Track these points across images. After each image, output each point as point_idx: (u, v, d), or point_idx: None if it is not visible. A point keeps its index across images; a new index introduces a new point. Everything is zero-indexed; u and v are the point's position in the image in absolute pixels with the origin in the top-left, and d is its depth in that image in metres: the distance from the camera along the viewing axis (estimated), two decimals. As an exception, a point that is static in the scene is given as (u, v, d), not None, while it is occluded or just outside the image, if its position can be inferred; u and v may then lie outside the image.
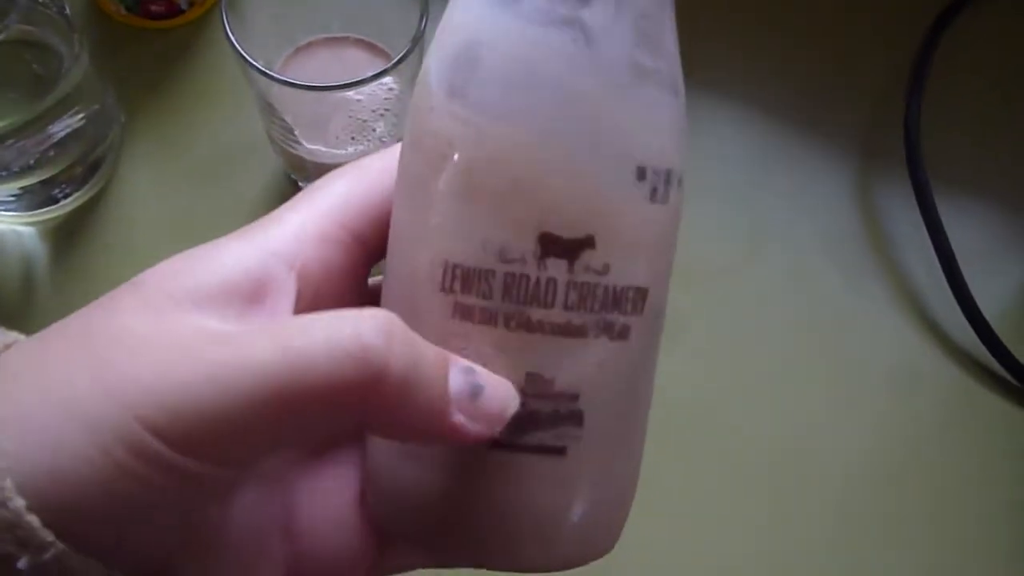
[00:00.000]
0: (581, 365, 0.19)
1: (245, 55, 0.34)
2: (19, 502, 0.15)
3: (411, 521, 0.21)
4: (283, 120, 0.38)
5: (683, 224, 0.47)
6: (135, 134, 0.46)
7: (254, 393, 0.16)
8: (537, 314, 0.19)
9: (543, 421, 0.19)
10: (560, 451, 0.20)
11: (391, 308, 0.20)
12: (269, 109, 0.38)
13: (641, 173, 0.19)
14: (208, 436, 0.16)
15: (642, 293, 0.20)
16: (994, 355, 0.43)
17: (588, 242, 0.19)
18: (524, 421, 0.19)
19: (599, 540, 0.22)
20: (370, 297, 0.22)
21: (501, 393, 0.19)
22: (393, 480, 0.21)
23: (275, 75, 0.35)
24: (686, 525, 0.40)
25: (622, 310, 0.19)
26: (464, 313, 0.19)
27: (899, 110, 0.47)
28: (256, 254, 0.19)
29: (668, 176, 0.20)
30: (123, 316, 0.18)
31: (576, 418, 0.20)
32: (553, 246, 0.19)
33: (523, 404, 0.19)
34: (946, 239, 0.44)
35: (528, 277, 0.19)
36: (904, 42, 0.49)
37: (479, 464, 0.20)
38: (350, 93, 0.35)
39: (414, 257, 0.19)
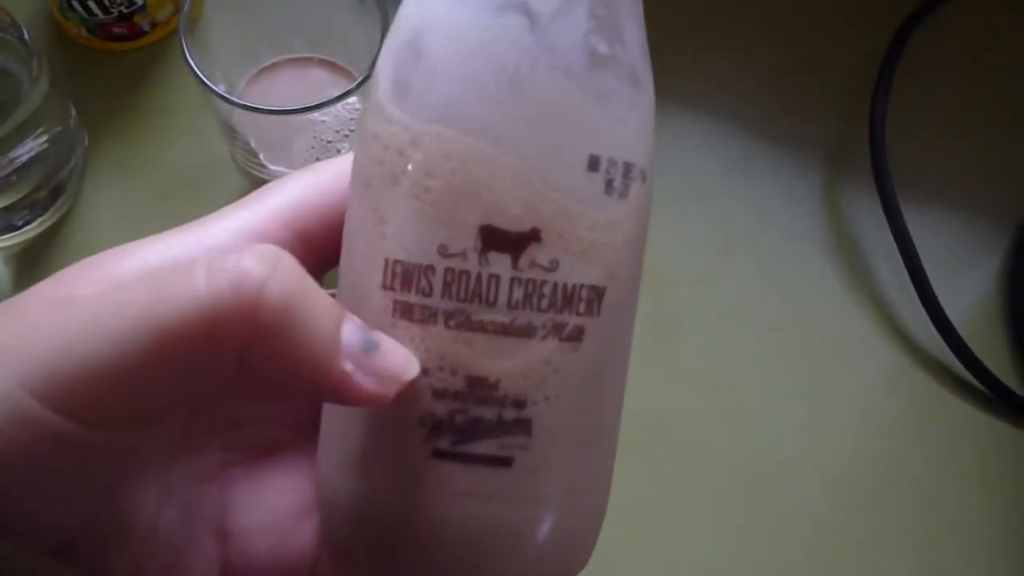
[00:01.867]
0: (527, 368, 0.18)
1: (205, 80, 0.34)
2: None
3: (359, 537, 0.20)
4: (246, 143, 0.38)
5: (653, 233, 0.47)
6: (99, 157, 0.45)
7: (128, 335, 0.15)
8: (479, 312, 0.18)
9: (487, 428, 0.18)
10: (505, 462, 0.18)
11: (345, 299, 0.19)
12: (231, 132, 0.37)
13: (593, 163, 0.18)
14: (90, 392, 0.15)
15: (598, 292, 0.18)
16: (963, 362, 0.43)
17: (533, 235, 0.18)
18: (467, 428, 0.18)
19: (562, 559, 0.20)
20: None
21: (399, 353, 0.17)
22: (339, 494, 0.20)
23: (236, 100, 0.34)
24: (660, 537, 0.40)
25: (574, 310, 0.18)
26: (404, 311, 0.18)
27: (864, 119, 0.47)
28: (188, 247, 0.19)
29: (627, 169, 0.19)
30: (27, 300, 0.17)
31: (523, 426, 0.18)
32: (495, 239, 0.18)
33: (465, 410, 0.18)
34: (912, 246, 0.44)
35: (469, 273, 0.18)
36: (869, 49, 0.50)
37: (422, 475, 0.18)
38: (314, 115, 0.35)
39: (359, 254, 0.19)
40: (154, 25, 0.47)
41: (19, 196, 0.41)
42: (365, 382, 0.17)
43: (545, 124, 0.18)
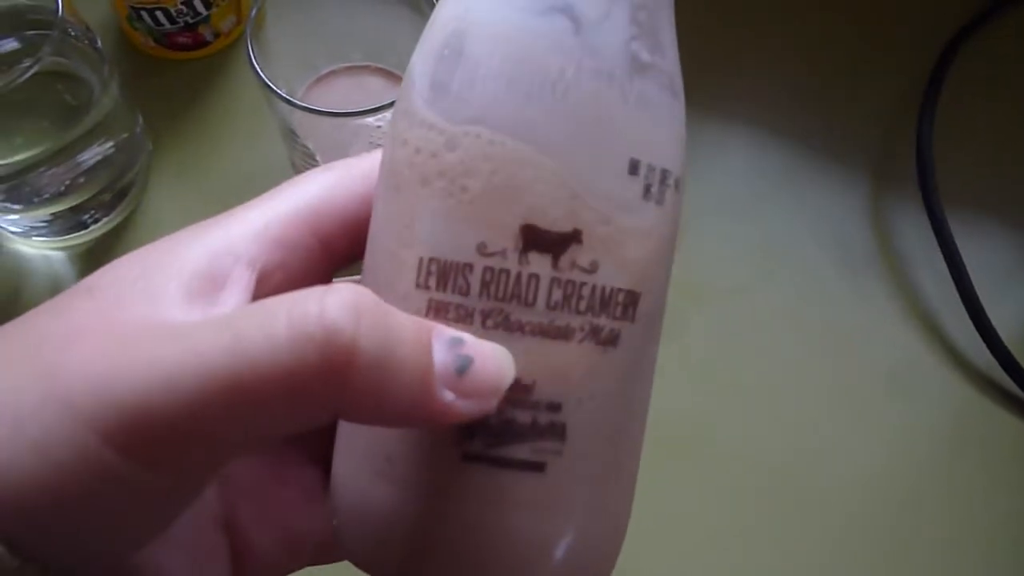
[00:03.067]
0: (564, 371, 0.18)
1: (269, 82, 0.36)
2: None
3: (382, 546, 0.19)
4: (305, 146, 0.39)
5: (694, 244, 0.48)
6: (162, 161, 0.47)
7: (204, 394, 0.15)
8: (517, 312, 0.17)
9: (520, 432, 0.18)
10: (538, 467, 0.18)
11: None
12: (291, 135, 0.39)
13: (633, 167, 0.18)
14: (161, 442, 0.15)
15: (633, 297, 0.18)
16: (1010, 376, 0.43)
17: (575, 236, 0.17)
18: (500, 431, 0.18)
19: (588, 572, 0.20)
20: None
21: (493, 363, 0.17)
22: (361, 500, 0.19)
23: (297, 102, 0.36)
24: (694, 543, 0.40)
25: (611, 314, 0.18)
26: (439, 310, 0.17)
27: (911, 130, 0.48)
28: (212, 254, 0.18)
29: (664, 176, 0.18)
30: (73, 318, 0.17)
31: (557, 431, 0.18)
32: (536, 240, 0.17)
33: (499, 412, 0.17)
34: (960, 259, 0.44)
35: (508, 272, 0.17)
36: (916, 62, 0.50)
37: (453, 480, 0.18)
38: (370, 119, 0.36)
39: (389, 252, 0.18)
40: (217, 35, 0.49)
41: (86, 197, 0.43)
42: (466, 406, 0.16)
43: (587, 127, 0.18)
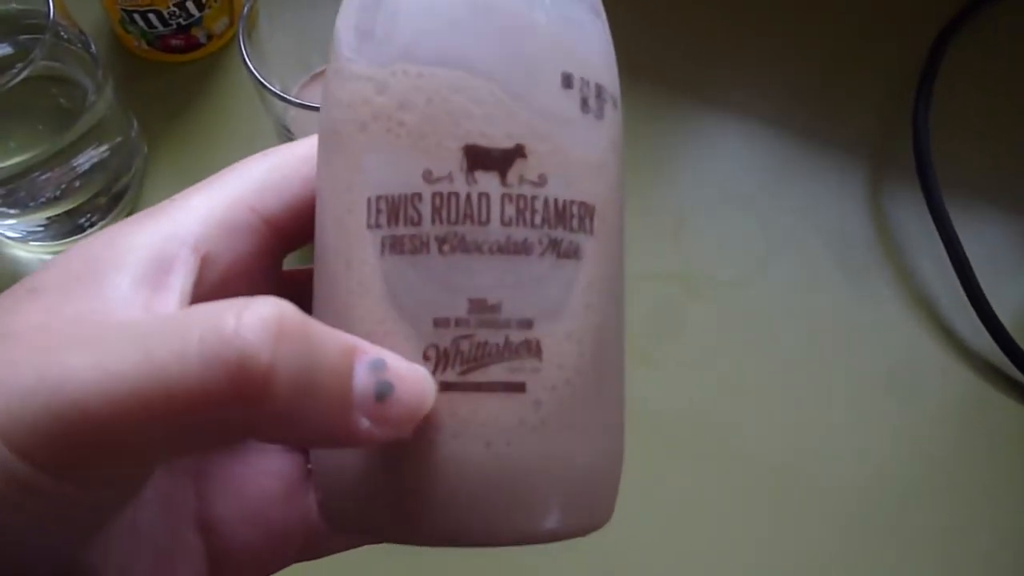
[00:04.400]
0: (530, 286, 0.17)
1: (262, 80, 0.35)
2: None
3: (366, 504, 0.18)
4: (300, 145, 0.39)
5: (692, 237, 0.47)
6: (157, 164, 0.47)
7: (111, 414, 0.14)
8: (473, 233, 0.17)
9: (494, 353, 0.17)
10: (518, 387, 0.17)
11: (323, 266, 0.19)
12: (286, 134, 0.39)
13: (567, 81, 0.18)
14: (75, 457, 0.14)
15: (588, 209, 0.18)
16: (1012, 360, 0.43)
17: (518, 151, 0.17)
18: (472, 355, 0.17)
19: (586, 506, 0.19)
20: (283, 284, 0.21)
21: (414, 389, 0.16)
22: (336, 464, 0.18)
23: (292, 99, 0.36)
24: (694, 534, 0.40)
25: (568, 226, 0.18)
26: (394, 246, 0.17)
27: (908, 117, 0.48)
28: (157, 240, 0.18)
29: (599, 91, 0.19)
30: (7, 323, 0.16)
31: (532, 347, 0.17)
32: (480, 158, 0.17)
33: (469, 336, 0.17)
34: (959, 245, 0.44)
35: (458, 195, 0.17)
36: (911, 50, 0.50)
37: (432, 413, 0.17)
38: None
39: (338, 205, 0.18)
40: (210, 37, 0.49)
41: (81, 201, 0.43)
42: (381, 433, 0.16)
43: (514, 46, 0.18)
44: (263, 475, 0.21)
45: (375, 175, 0.18)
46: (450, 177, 0.17)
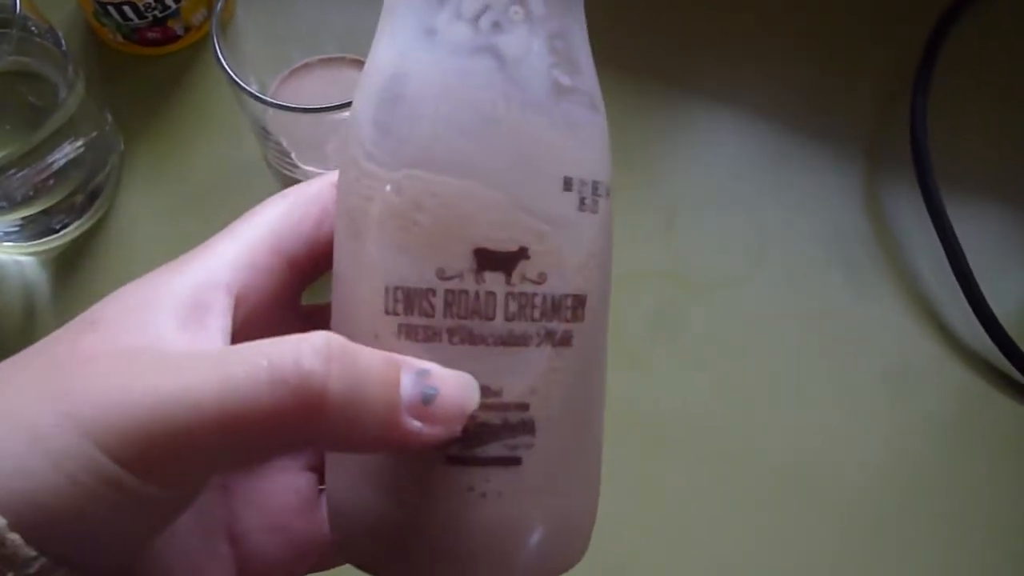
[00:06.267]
0: (527, 374, 0.20)
1: (237, 80, 0.34)
2: (1, 521, 0.16)
3: (380, 547, 0.21)
4: (278, 143, 0.38)
5: (687, 235, 0.46)
6: (134, 160, 0.46)
7: (194, 424, 0.17)
8: (479, 327, 0.19)
9: (495, 432, 0.20)
10: (515, 461, 0.20)
11: (345, 327, 0.21)
12: (264, 133, 0.37)
13: (567, 184, 0.20)
14: (157, 460, 0.17)
15: (580, 300, 0.20)
16: (1008, 358, 0.42)
17: (522, 254, 0.19)
18: (476, 434, 0.20)
19: (568, 550, 0.22)
20: (302, 318, 0.24)
21: (457, 392, 0.19)
22: (357, 508, 0.21)
23: (268, 99, 0.34)
24: (691, 535, 0.39)
25: (562, 317, 0.20)
26: (409, 333, 0.20)
27: (905, 112, 0.47)
28: (195, 285, 0.20)
29: (595, 187, 0.20)
30: (81, 347, 0.19)
31: (528, 427, 0.20)
32: (488, 260, 0.19)
33: (474, 417, 0.19)
34: (956, 241, 0.43)
35: (467, 292, 0.19)
36: (908, 42, 0.49)
37: (439, 480, 0.20)
38: (345, 114, 0.35)
39: (358, 285, 0.20)
40: (187, 29, 0.47)
41: (56, 200, 0.42)
42: (431, 432, 0.18)
43: (521, 155, 0.19)
44: (284, 491, 0.24)
45: (393, 267, 0.20)
46: (461, 276, 0.19)
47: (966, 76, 0.48)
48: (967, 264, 0.43)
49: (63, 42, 0.40)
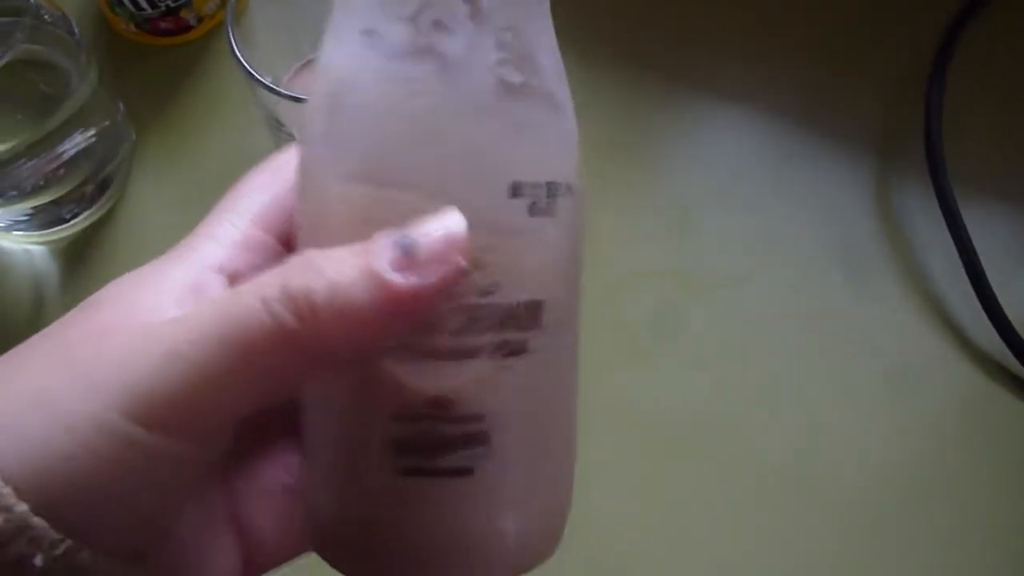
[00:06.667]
0: (479, 385, 0.19)
1: (251, 71, 0.34)
2: (22, 506, 0.16)
3: (339, 548, 0.21)
4: (290, 135, 0.37)
5: (694, 234, 0.46)
6: (145, 150, 0.46)
7: (199, 357, 0.17)
8: (429, 341, 0.19)
9: (450, 444, 0.19)
10: (467, 471, 0.20)
11: None
12: (276, 124, 0.37)
13: (516, 190, 0.19)
14: (177, 411, 0.17)
15: (536, 306, 0.20)
16: (1019, 358, 0.42)
17: (473, 264, 0.18)
18: (430, 446, 0.19)
19: (530, 552, 0.22)
20: None
21: (439, 224, 0.18)
22: (321, 508, 0.21)
23: (281, 90, 0.34)
24: (691, 535, 0.39)
25: (517, 326, 0.19)
26: None
27: (918, 112, 0.46)
28: (192, 270, 0.21)
29: (551, 189, 0.19)
30: (90, 325, 0.19)
31: (481, 438, 0.20)
32: None
33: (427, 430, 0.19)
34: (969, 241, 0.43)
35: None
36: (922, 42, 0.48)
37: (394, 491, 0.20)
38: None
39: None
40: (200, 20, 0.47)
41: (67, 190, 0.42)
42: (433, 275, 0.17)
43: (464, 164, 0.18)
44: (283, 475, 0.24)
45: None
46: None
47: (981, 75, 0.48)
48: (980, 265, 0.42)
49: (76, 30, 0.40)
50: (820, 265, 0.44)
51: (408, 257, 0.17)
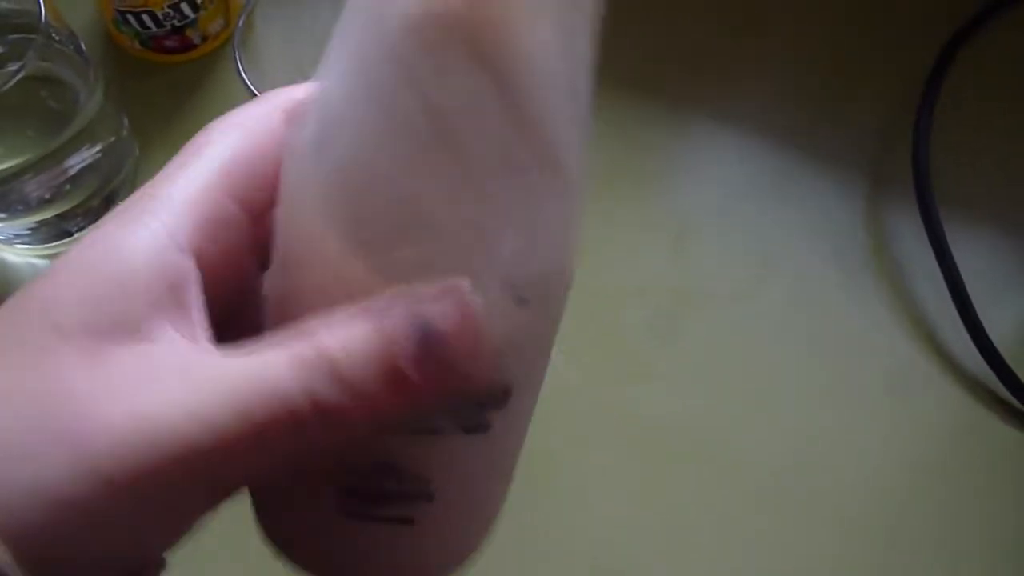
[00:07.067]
0: (435, 456, 0.19)
1: (256, 92, 0.35)
2: (6, 556, 0.15)
3: (283, 552, 0.22)
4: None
5: (690, 250, 0.47)
6: (150, 166, 0.46)
7: (206, 455, 0.16)
8: None
9: (393, 498, 0.20)
10: (408, 520, 0.20)
11: None
12: (281, 143, 0.38)
13: (506, 283, 0.17)
14: (158, 487, 0.16)
15: (507, 389, 0.19)
16: (1003, 381, 0.43)
17: None
18: (375, 496, 0.20)
19: (456, 568, 0.23)
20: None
21: (459, 314, 0.16)
22: (271, 533, 0.22)
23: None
24: (689, 544, 0.40)
25: (484, 408, 0.19)
26: None
27: (907, 136, 0.47)
28: (157, 249, 0.17)
29: (542, 278, 0.18)
30: (63, 360, 0.16)
31: (426, 496, 0.20)
32: None
33: (374, 483, 0.19)
34: (955, 265, 0.44)
35: None
36: (913, 64, 0.50)
37: (336, 527, 0.21)
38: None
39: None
40: (204, 38, 0.48)
41: (72, 204, 0.42)
42: (457, 377, 0.16)
43: (423, 256, 0.17)
44: None
45: None
46: None
47: (970, 101, 0.49)
48: (965, 289, 0.43)
49: (84, 48, 0.40)
50: (814, 284, 0.45)
51: (428, 349, 0.16)
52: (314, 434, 0.16)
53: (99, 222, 0.18)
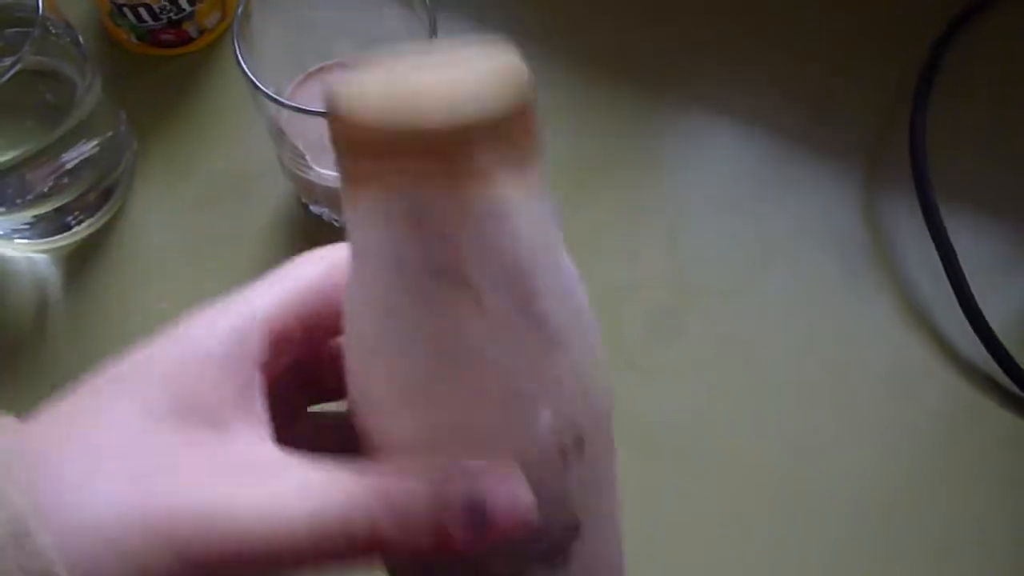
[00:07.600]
0: None
1: (256, 81, 0.35)
2: None
3: None
4: (294, 146, 0.38)
5: (687, 244, 0.47)
6: (147, 160, 0.46)
7: (272, 549, 0.18)
8: (485, 563, 0.20)
9: None
10: None
11: None
12: (279, 135, 0.38)
13: (564, 444, 0.19)
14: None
15: (575, 524, 0.20)
16: (1003, 368, 0.43)
17: None
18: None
19: None
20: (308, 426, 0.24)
21: (506, 496, 0.18)
22: None
23: (285, 101, 0.35)
24: (691, 545, 0.40)
25: (559, 545, 0.20)
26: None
27: (905, 124, 0.47)
28: (236, 351, 0.20)
29: (586, 415, 0.20)
30: (149, 424, 0.18)
31: None
32: None
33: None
34: (953, 253, 0.44)
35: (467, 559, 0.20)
36: (909, 54, 0.50)
37: None
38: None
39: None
40: (201, 32, 0.48)
41: (70, 198, 0.42)
42: (500, 539, 0.18)
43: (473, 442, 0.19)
44: None
45: None
46: None
47: (967, 89, 0.49)
48: (964, 277, 0.43)
49: (82, 41, 0.40)
50: (812, 276, 0.45)
51: (478, 524, 0.18)
52: (362, 551, 0.18)
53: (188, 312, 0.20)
